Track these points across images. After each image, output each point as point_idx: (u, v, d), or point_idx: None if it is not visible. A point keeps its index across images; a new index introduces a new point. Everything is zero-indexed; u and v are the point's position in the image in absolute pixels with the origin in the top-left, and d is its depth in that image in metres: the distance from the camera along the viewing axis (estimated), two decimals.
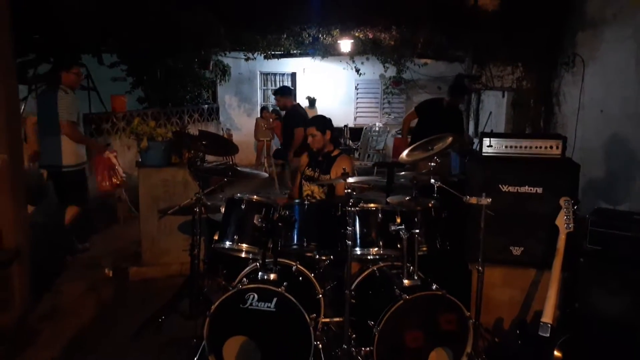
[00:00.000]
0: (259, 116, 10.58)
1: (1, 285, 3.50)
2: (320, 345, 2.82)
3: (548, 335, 2.73)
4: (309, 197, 3.75)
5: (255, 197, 3.04)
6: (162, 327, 3.46)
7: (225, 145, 3.90)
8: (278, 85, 12.27)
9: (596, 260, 3.12)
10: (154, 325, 3.46)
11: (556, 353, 2.66)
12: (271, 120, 10.74)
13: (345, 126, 10.07)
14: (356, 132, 10.48)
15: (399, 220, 2.90)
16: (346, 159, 3.91)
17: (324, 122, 3.87)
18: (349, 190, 2.84)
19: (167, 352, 3.18)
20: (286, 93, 6.49)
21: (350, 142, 10.13)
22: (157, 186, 4.54)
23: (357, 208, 2.85)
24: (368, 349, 2.71)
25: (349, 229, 2.72)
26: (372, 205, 2.99)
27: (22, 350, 3.24)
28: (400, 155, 3.75)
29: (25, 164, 4.99)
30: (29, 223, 3.89)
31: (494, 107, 9.03)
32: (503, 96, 8.54)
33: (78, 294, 4.11)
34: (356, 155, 10.35)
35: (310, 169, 3.88)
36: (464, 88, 6.67)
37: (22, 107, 7.63)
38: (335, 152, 3.90)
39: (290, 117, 6.36)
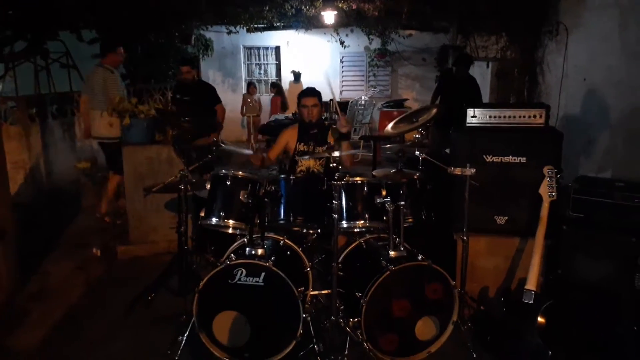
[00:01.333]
0: (245, 92, 10.45)
1: None
2: (309, 318, 2.86)
3: (532, 302, 2.79)
4: (303, 173, 3.71)
5: (240, 173, 3.02)
6: (152, 304, 3.48)
7: (208, 121, 3.85)
8: (262, 60, 12.11)
9: (579, 227, 3.17)
10: (143, 302, 3.48)
11: (540, 319, 2.73)
12: (272, 94, 10.64)
13: (332, 100, 9.98)
14: (342, 106, 10.40)
15: (384, 192, 2.91)
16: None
17: (319, 93, 3.83)
18: (335, 165, 2.84)
19: (157, 329, 3.20)
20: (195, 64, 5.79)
21: (336, 115, 10.06)
22: (141, 164, 4.49)
23: (342, 181, 2.85)
24: (356, 319, 2.75)
25: (335, 202, 2.73)
26: (357, 178, 2.99)
27: (11, 330, 3.24)
28: (386, 128, 3.75)
29: (80, 137, 5.84)
30: (11, 203, 3.83)
31: (478, 77, 8.98)
32: (487, 66, 8.54)
33: (66, 274, 4.10)
34: None
35: (302, 143, 3.82)
36: (466, 57, 6.61)
37: (0, 87, 7.48)
38: (326, 124, 3.88)
39: (204, 92, 5.57)
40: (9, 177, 3.97)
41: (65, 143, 5.97)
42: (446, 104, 5.75)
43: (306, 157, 3.66)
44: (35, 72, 7.81)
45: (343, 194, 2.93)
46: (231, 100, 10.77)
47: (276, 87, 10.94)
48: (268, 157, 3.83)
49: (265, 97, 11.59)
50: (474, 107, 3.41)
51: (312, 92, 3.82)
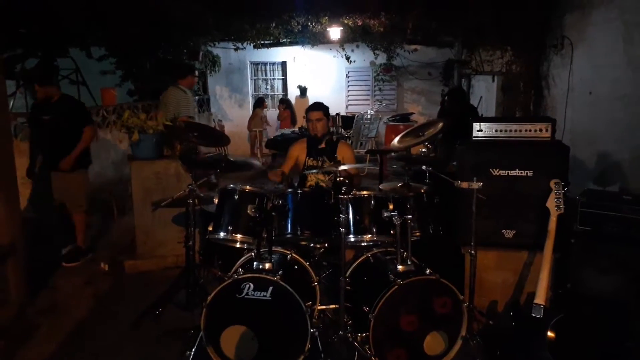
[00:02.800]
0: (258, 107, 10.48)
1: None
2: (316, 333, 2.84)
3: (541, 316, 2.77)
4: (312, 187, 3.73)
5: (248, 187, 3.04)
6: (160, 318, 3.48)
7: (216, 136, 3.89)
8: (269, 75, 12.22)
9: (587, 240, 3.17)
10: (151, 317, 3.49)
11: (549, 333, 2.71)
12: (280, 110, 10.70)
13: (337, 114, 10.04)
14: (348, 120, 10.45)
15: (391, 206, 2.92)
16: (347, 146, 3.96)
17: (326, 108, 3.87)
18: (342, 179, 2.86)
19: (165, 343, 3.20)
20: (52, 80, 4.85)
21: (343, 130, 10.11)
22: (149, 179, 4.53)
23: (349, 195, 2.86)
24: (364, 334, 2.74)
25: (342, 216, 2.74)
26: (364, 192, 3.00)
27: (21, 344, 3.26)
28: (392, 142, 3.77)
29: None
30: (21, 218, 3.87)
31: (484, 91, 9.06)
32: (493, 80, 8.57)
33: (74, 289, 4.13)
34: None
35: (311, 158, 3.85)
36: (456, 92, 6.58)
37: (11, 103, 7.58)
38: (334, 138, 3.91)
39: (67, 111, 4.61)
40: (19, 192, 4.02)
41: None
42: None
43: (314, 171, 3.68)
44: None
45: (350, 208, 2.93)
46: (238, 115, 10.90)
47: (285, 102, 11.01)
48: (284, 172, 3.87)
49: (271, 112, 11.68)
50: (479, 121, 3.43)
51: (317, 107, 3.87)
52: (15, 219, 3.72)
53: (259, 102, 10.57)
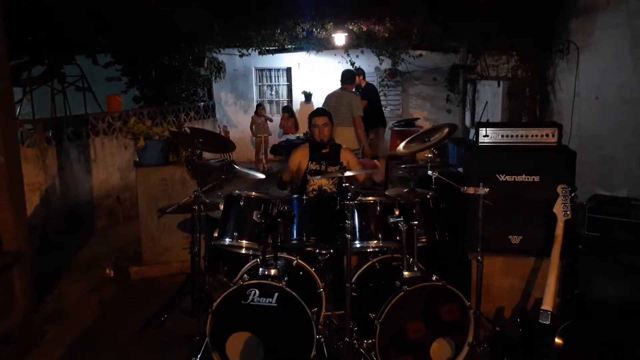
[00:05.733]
0: (254, 114, 10.52)
1: (3, 288, 3.51)
2: (322, 339, 2.84)
3: (548, 322, 2.74)
4: (315, 192, 3.73)
5: (253, 193, 3.04)
6: (165, 325, 3.48)
7: (221, 142, 3.90)
8: (274, 81, 12.25)
9: (595, 246, 3.13)
10: (156, 323, 3.48)
11: (557, 340, 2.68)
12: (285, 118, 10.69)
13: None
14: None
15: (397, 212, 2.91)
16: (349, 150, 3.97)
17: (330, 113, 3.88)
18: (348, 184, 2.85)
19: (171, 350, 3.19)
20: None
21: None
22: (155, 185, 4.54)
23: (355, 201, 2.85)
24: (370, 341, 2.73)
25: (348, 222, 2.73)
26: (370, 198, 2.99)
27: (27, 351, 3.27)
28: (398, 148, 3.76)
29: None
30: (27, 225, 3.89)
31: (490, 96, 9.02)
32: (499, 85, 8.53)
33: (80, 295, 4.13)
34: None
35: (314, 162, 3.85)
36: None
37: (18, 110, 7.63)
38: (337, 143, 3.92)
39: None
40: (26, 199, 4.04)
41: (81, 165, 6.05)
42: None
43: (318, 176, 3.68)
44: (51, 96, 7.98)
45: (356, 214, 2.92)
46: (242, 121, 10.92)
47: (288, 111, 11.03)
48: (283, 181, 3.90)
49: (276, 118, 11.70)
50: (485, 126, 3.42)
51: (323, 112, 3.87)
52: (22, 226, 3.74)
53: (256, 108, 10.60)
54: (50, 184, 5.48)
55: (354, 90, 6.43)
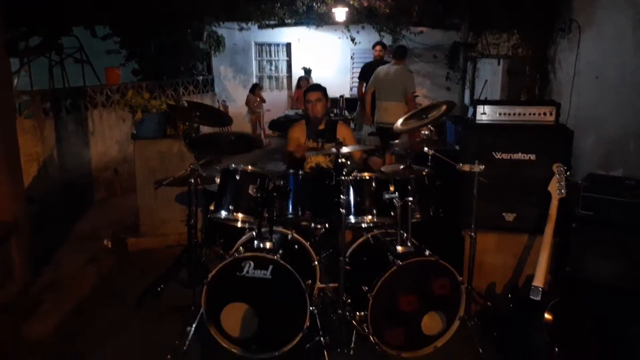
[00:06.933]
0: (250, 93, 10.39)
1: (1, 258, 3.54)
2: (316, 311, 2.89)
3: (539, 298, 2.79)
4: (313, 169, 3.73)
5: (249, 167, 3.05)
6: (162, 296, 3.53)
7: (218, 115, 3.88)
8: (273, 56, 12.12)
9: (588, 225, 3.15)
10: (153, 294, 3.53)
11: (547, 315, 2.73)
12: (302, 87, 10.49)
13: (341, 96, 9.96)
14: (352, 103, 10.39)
15: (392, 188, 2.92)
16: (346, 126, 3.94)
17: (325, 89, 3.85)
18: (344, 160, 2.86)
19: (167, 320, 3.24)
20: None
21: (347, 112, 10.04)
22: (153, 158, 4.54)
23: (350, 177, 2.86)
24: (362, 313, 2.78)
25: (343, 197, 2.75)
26: (365, 174, 3.01)
27: (25, 320, 3.31)
28: (395, 125, 3.75)
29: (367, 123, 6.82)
30: (25, 196, 3.90)
31: (489, 75, 8.97)
32: (499, 64, 8.49)
33: (78, 266, 4.17)
34: (352, 125, 10.32)
35: (310, 140, 3.84)
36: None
37: (15, 81, 7.57)
38: (333, 119, 3.90)
39: None
40: (23, 170, 4.04)
41: (79, 137, 6.03)
42: None
43: (314, 153, 3.68)
44: (49, 67, 7.90)
45: (351, 189, 2.94)
46: (242, 96, 10.83)
47: (307, 80, 10.86)
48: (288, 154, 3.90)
49: (275, 94, 11.63)
50: (483, 104, 3.41)
51: (315, 87, 3.86)
52: (18, 197, 3.75)
53: (252, 89, 10.47)
54: (48, 156, 5.47)
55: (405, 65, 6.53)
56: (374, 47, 7.50)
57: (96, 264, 4.21)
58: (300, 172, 3.11)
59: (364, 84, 7.06)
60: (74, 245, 4.60)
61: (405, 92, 6.19)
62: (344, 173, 2.78)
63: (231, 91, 11.74)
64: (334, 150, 2.96)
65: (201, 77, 9.56)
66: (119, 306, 3.51)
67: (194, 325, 2.92)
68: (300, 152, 3.79)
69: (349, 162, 2.86)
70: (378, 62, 7.18)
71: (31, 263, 3.82)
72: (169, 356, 2.82)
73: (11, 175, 3.64)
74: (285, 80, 12.06)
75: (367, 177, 2.99)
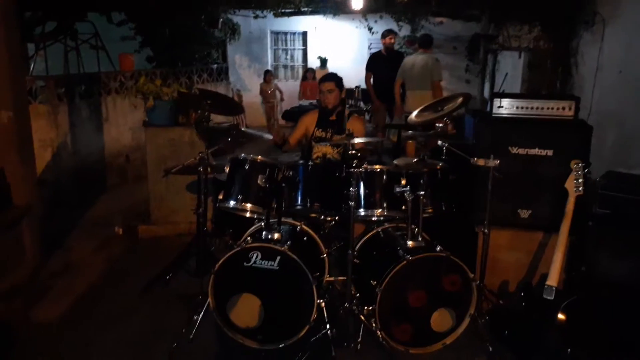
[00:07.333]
0: (262, 81, 10.32)
1: (13, 241, 3.57)
2: (323, 304, 2.85)
3: (552, 298, 2.72)
4: (319, 159, 3.68)
5: (259, 157, 3.01)
6: (170, 284, 3.53)
7: (230, 104, 3.84)
8: (289, 45, 12.04)
9: (605, 224, 3.07)
10: (161, 282, 3.53)
11: (560, 316, 2.66)
12: (309, 80, 10.45)
13: (357, 87, 9.85)
14: (368, 93, 10.30)
15: (404, 182, 2.86)
16: (358, 118, 3.87)
17: (340, 79, 3.78)
18: (354, 152, 2.80)
19: (174, 308, 3.24)
20: None
21: (362, 103, 9.94)
22: (164, 146, 4.53)
23: (361, 169, 2.81)
24: (370, 307, 2.73)
25: (352, 190, 2.70)
26: (376, 166, 2.94)
27: (35, 303, 3.34)
28: (410, 117, 3.68)
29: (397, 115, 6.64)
30: (37, 180, 3.92)
31: (510, 68, 8.79)
32: (520, 57, 8.30)
33: (89, 251, 4.19)
34: (367, 117, 10.23)
35: (320, 129, 3.78)
36: None
37: (32, 66, 7.63)
38: (346, 112, 3.84)
39: None
40: (37, 155, 4.06)
41: (92, 123, 6.06)
42: None
43: (323, 143, 3.63)
44: (64, 53, 7.93)
45: (361, 182, 2.88)
46: (256, 85, 10.77)
47: (311, 72, 10.81)
48: (288, 142, 3.80)
49: (290, 83, 11.55)
50: (500, 97, 3.32)
51: (329, 77, 3.77)
52: (31, 181, 3.77)
53: (264, 76, 10.40)
54: (62, 141, 5.50)
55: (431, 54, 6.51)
56: (384, 36, 7.14)
57: (106, 250, 4.23)
58: (310, 163, 3.06)
59: (371, 75, 6.97)
60: (85, 230, 4.63)
61: (431, 81, 6.16)
62: (353, 165, 2.72)
63: (246, 80, 11.69)
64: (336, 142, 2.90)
65: (215, 66, 9.54)
66: (128, 292, 3.51)
67: (201, 314, 2.91)
68: (275, 136, 3.74)
69: (358, 154, 2.79)
70: (388, 51, 7.01)
71: (42, 247, 3.85)
72: (175, 344, 2.82)
73: (23, 159, 3.66)
74: (300, 70, 11.98)
75: (378, 170, 2.93)
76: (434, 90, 6.11)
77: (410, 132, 3.53)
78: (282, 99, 10.39)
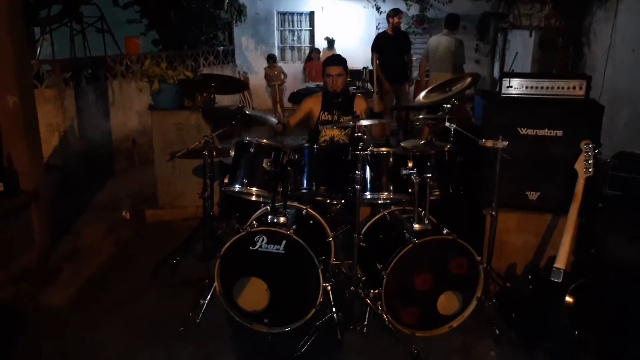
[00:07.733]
0: (266, 66, 10.20)
1: (21, 226, 3.59)
2: (329, 287, 2.85)
3: (560, 280, 2.69)
4: (326, 142, 3.65)
5: (264, 140, 2.99)
6: (177, 268, 3.54)
7: (234, 83, 3.80)
8: (296, 26, 11.91)
9: (616, 205, 3.02)
10: (168, 265, 3.55)
11: (568, 298, 2.64)
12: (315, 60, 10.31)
13: (365, 68, 9.75)
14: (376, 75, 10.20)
15: (410, 164, 2.83)
16: (363, 99, 3.81)
17: (345, 61, 3.72)
18: (360, 134, 2.76)
19: (181, 291, 3.26)
20: None
21: (369, 85, 9.85)
22: (170, 129, 4.52)
23: (367, 152, 2.77)
24: (376, 291, 2.73)
25: (358, 173, 2.67)
26: (382, 149, 2.91)
27: (44, 286, 3.37)
28: (417, 98, 3.62)
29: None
30: (44, 164, 3.92)
31: (520, 47, 8.65)
32: (530, 35, 8.15)
33: (97, 236, 4.21)
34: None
35: (326, 112, 3.74)
36: None
37: (38, 50, 7.61)
38: (351, 93, 3.79)
39: None
40: (44, 140, 4.06)
41: (99, 107, 6.04)
42: None
43: (330, 126, 3.58)
44: (70, 37, 7.90)
45: (367, 165, 2.85)
46: (263, 67, 10.70)
47: (318, 52, 10.68)
48: (288, 123, 3.76)
49: (297, 65, 11.44)
50: (510, 77, 3.25)
51: (337, 61, 3.69)
52: (38, 166, 3.77)
53: (267, 61, 10.27)
54: (69, 126, 5.50)
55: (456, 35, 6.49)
56: (391, 15, 6.78)
57: (114, 235, 4.25)
58: (316, 146, 3.03)
59: (377, 56, 6.82)
60: (93, 215, 4.64)
61: (453, 63, 6.13)
62: (359, 147, 2.69)
63: (252, 62, 11.61)
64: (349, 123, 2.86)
65: (222, 48, 9.45)
66: (136, 277, 3.53)
67: (207, 298, 2.93)
68: (294, 121, 3.75)
69: (365, 137, 2.75)
70: (395, 31, 6.76)
71: (51, 231, 3.87)
72: (182, 328, 2.84)
73: (30, 144, 3.65)
74: (307, 51, 11.86)
75: (384, 152, 2.90)
76: (454, 73, 6.03)
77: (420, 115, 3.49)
78: (283, 82, 10.23)
